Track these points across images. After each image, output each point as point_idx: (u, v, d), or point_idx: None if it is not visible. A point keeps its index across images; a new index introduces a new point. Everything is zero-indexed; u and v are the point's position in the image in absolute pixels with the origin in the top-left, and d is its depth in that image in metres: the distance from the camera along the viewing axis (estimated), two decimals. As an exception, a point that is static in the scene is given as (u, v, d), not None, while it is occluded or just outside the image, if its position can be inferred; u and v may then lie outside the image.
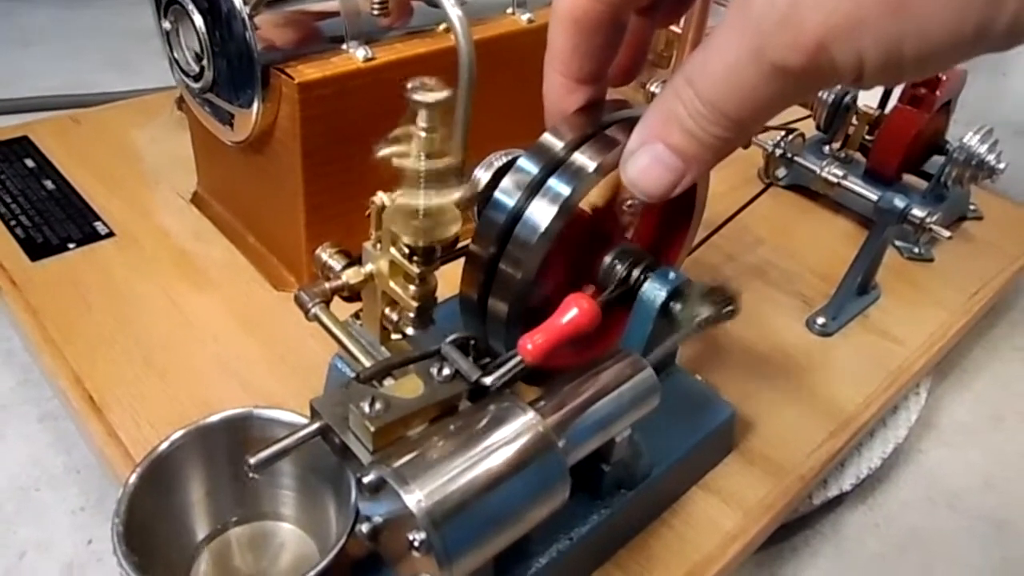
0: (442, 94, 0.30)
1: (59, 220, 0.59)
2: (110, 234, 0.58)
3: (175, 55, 0.51)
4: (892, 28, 0.19)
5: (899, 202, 0.53)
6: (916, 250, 0.66)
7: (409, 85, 0.30)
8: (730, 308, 0.38)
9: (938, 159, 0.67)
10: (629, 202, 0.50)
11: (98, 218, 0.59)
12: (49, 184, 0.63)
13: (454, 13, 0.40)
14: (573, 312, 0.32)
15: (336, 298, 0.39)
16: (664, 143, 0.26)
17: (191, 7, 0.47)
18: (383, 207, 0.35)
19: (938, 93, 0.64)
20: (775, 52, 0.21)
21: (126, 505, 0.32)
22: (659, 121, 0.26)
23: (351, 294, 0.39)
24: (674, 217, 0.45)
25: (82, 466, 0.50)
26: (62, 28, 1.02)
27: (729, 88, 0.23)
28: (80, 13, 1.06)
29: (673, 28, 0.83)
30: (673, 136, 0.26)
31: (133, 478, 0.33)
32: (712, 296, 0.37)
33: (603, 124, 0.37)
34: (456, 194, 0.34)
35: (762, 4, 0.21)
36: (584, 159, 0.36)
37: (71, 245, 0.57)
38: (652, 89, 0.68)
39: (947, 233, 0.53)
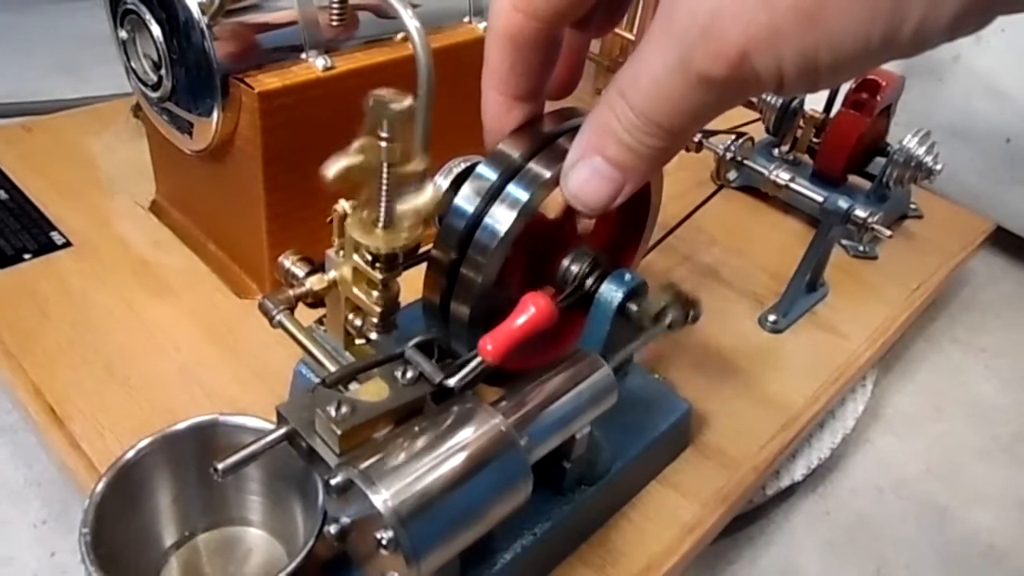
0: (403, 104, 0.31)
1: (13, 231, 0.58)
2: (67, 244, 0.58)
3: (132, 64, 0.51)
4: (807, 38, 0.21)
5: (843, 203, 0.56)
6: (861, 248, 0.69)
7: (370, 96, 0.31)
8: (694, 313, 0.39)
9: (881, 161, 0.70)
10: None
11: (54, 228, 0.59)
12: (2, 194, 0.62)
13: (412, 24, 0.40)
14: (530, 311, 0.33)
15: (300, 304, 0.40)
16: (601, 156, 0.27)
17: (148, 17, 0.47)
18: (345, 215, 0.36)
19: (879, 98, 0.67)
20: (700, 63, 0.22)
21: (93, 515, 0.32)
22: (595, 134, 0.27)
23: (315, 301, 0.40)
24: (630, 220, 0.47)
25: (43, 479, 0.49)
26: (8, 33, 1.00)
27: (659, 99, 0.24)
28: (27, 18, 1.04)
29: (627, 34, 0.85)
30: (609, 148, 0.26)
31: (100, 487, 0.33)
32: (677, 300, 0.39)
33: (559, 130, 0.38)
34: (417, 201, 0.34)
35: (685, 17, 0.22)
36: (541, 165, 0.37)
37: (27, 256, 0.56)
38: (607, 95, 0.70)
39: (888, 232, 0.56)
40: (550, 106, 0.37)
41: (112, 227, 0.60)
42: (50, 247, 0.57)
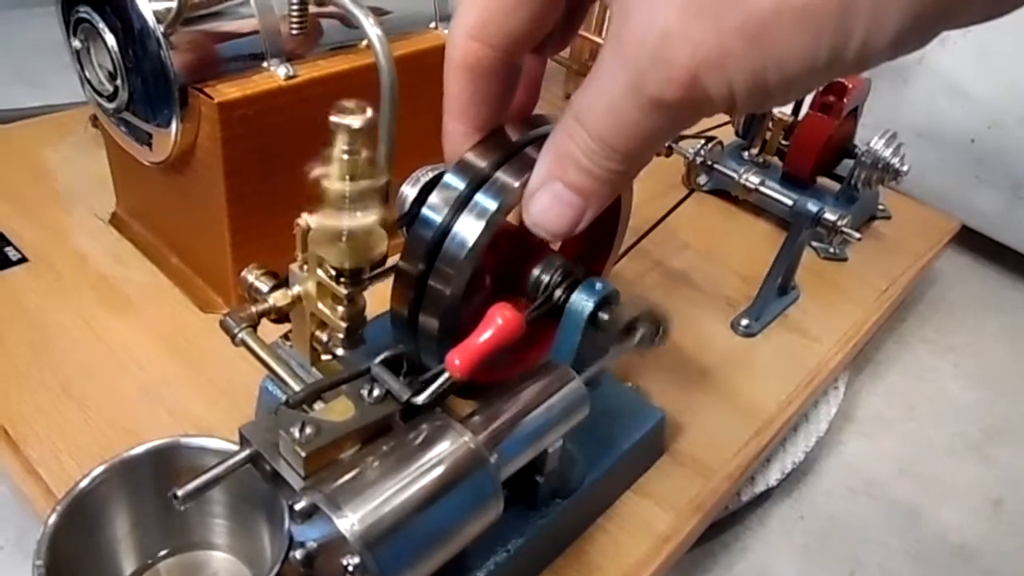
0: (363, 118, 0.30)
1: (-34, 246, 0.56)
2: (22, 260, 0.56)
3: (87, 74, 0.49)
4: (755, 60, 0.21)
5: (812, 207, 0.56)
6: (831, 250, 0.69)
7: (332, 109, 0.30)
8: (663, 330, 0.39)
9: (849, 162, 0.70)
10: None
11: (8, 243, 0.57)
12: (-46, 208, 0.60)
13: (373, 32, 0.40)
14: (497, 323, 0.33)
15: (264, 320, 0.39)
16: (562, 182, 0.26)
17: (102, 26, 0.45)
18: (308, 229, 0.35)
19: (845, 100, 0.67)
20: (652, 87, 0.22)
21: (47, 546, 0.31)
22: (554, 161, 0.27)
23: (279, 316, 0.39)
24: (601, 227, 0.46)
25: (-2, 504, 0.48)
26: (-36, 41, 0.97)
27: (615, 124, 0.24)
28: (-17, 25, 1.01)
29: (596, 38, 0.84)
30: (569, 174, 0.26)
31: (53, 518, 0.31)
32: (648, 316, 0.38)
33: (527, 139, 0.37)
34: (380, 215, 0.34)
35: (635, 41, 0.22)
36: (509, 174, 0.36)
37: (-20, 273, 0.54)
38: (576, 100, 0.69)
39: (857, 235, 0.56)
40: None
41: (70, 241, 0.58)
42: (5, 263, 0.55)
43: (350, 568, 0.27)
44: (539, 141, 0.38)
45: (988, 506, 0.58)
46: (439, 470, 0.29)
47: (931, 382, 0.69)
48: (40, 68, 0.91)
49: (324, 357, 0.39)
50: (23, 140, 0.68)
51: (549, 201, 0.27)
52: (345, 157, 0.32)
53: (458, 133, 0.32)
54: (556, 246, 0.46)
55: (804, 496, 0.57)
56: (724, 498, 0.48)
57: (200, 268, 0.55)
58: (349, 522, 0.27)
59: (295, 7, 0.43)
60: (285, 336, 0.41)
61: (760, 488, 0.53)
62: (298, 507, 0.28)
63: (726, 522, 0.53)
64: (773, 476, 0.53)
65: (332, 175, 0.32)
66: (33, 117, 0.73)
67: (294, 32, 0.44)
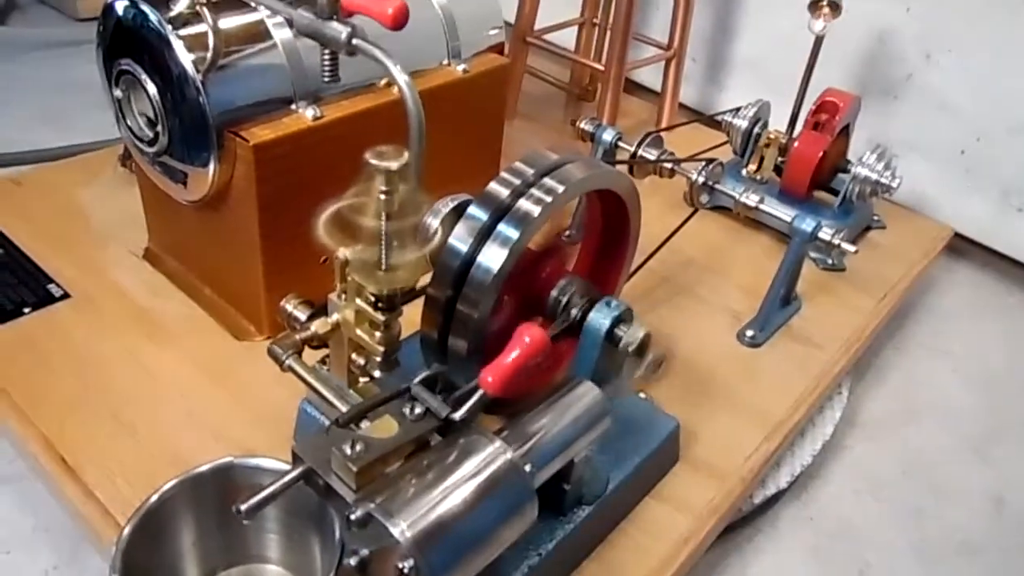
0: (399, 161, 0.34)
1: (11, 285, 0.59)
2: (65, 296, 0.59)
3: (128, 122, 0.52)
4: None
5: (809, 225, 0.59)
6: (830, 261, 0.72)
7: (367, 154, 0.34)
8: (659, 366, 0.42)
9: (844, 177, 0.73)
10: (567, 233, 0.54)
11: (51, 280, 0.60)
12: (-4, 248, 0.63)
13: (402, 79, 0.43)
14: (525, 342, 0.35)
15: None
16: None
17: (144, 76, 0.48)
18: (347, 262, 0.38)
19: (837, 118, 0.70)
20: None
21: (121, 560, 0.33)
22: None
23: (319, 343, 0.42)
24: (611, 246, 0.49)
25: (51, 525, 0.50)
26: (-12, 84, 1.01)
27: None
28: (7, 67, 1.05)
29: (596, 65, 0.88)
30: None
31: (126, 532, 0.34)
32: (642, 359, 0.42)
33: (545, 170, 0.41)
34: (418, 248, 0.37)
35: None
36: (530, 204, 0.39)
37: (26, 310, 0.57)
38: (582, 126, 0.72)
39: (853, 248, 0.59)
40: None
41: (108, 276, 0.61)
42: (49, 299, 0.58)
43: (405, 570, 0.30)
44: (555, 171, 0.41)
45: (990, 505, 0.61)
46: (480, 479, 0.32)
47: (931, 386, 0.71)
48: (64, 108, 0.95)
49: (361, 380, 0.42)
50: (56, 181, 0.72)
51: None
52: (383, 197, 0.35)
53: None
54: (570, 267, 0.49)
55: (813, 499, 0.59)
56: (738, 501, 0.50)
57: (233, 298, 0.58)
58: (401, 528, 0.30)
59: (327, 58, 0.46)
60: (322, 361, 0.44)
61: (771, 491, 0.55)
62: (353, 517, 0.31)
63: (739, 525, 0.55)
64: (783, 479, 0.56)
65: (369, 212, 0.35)
66: (61, 159, 0.77)
67: (326, 80, 0.47)
